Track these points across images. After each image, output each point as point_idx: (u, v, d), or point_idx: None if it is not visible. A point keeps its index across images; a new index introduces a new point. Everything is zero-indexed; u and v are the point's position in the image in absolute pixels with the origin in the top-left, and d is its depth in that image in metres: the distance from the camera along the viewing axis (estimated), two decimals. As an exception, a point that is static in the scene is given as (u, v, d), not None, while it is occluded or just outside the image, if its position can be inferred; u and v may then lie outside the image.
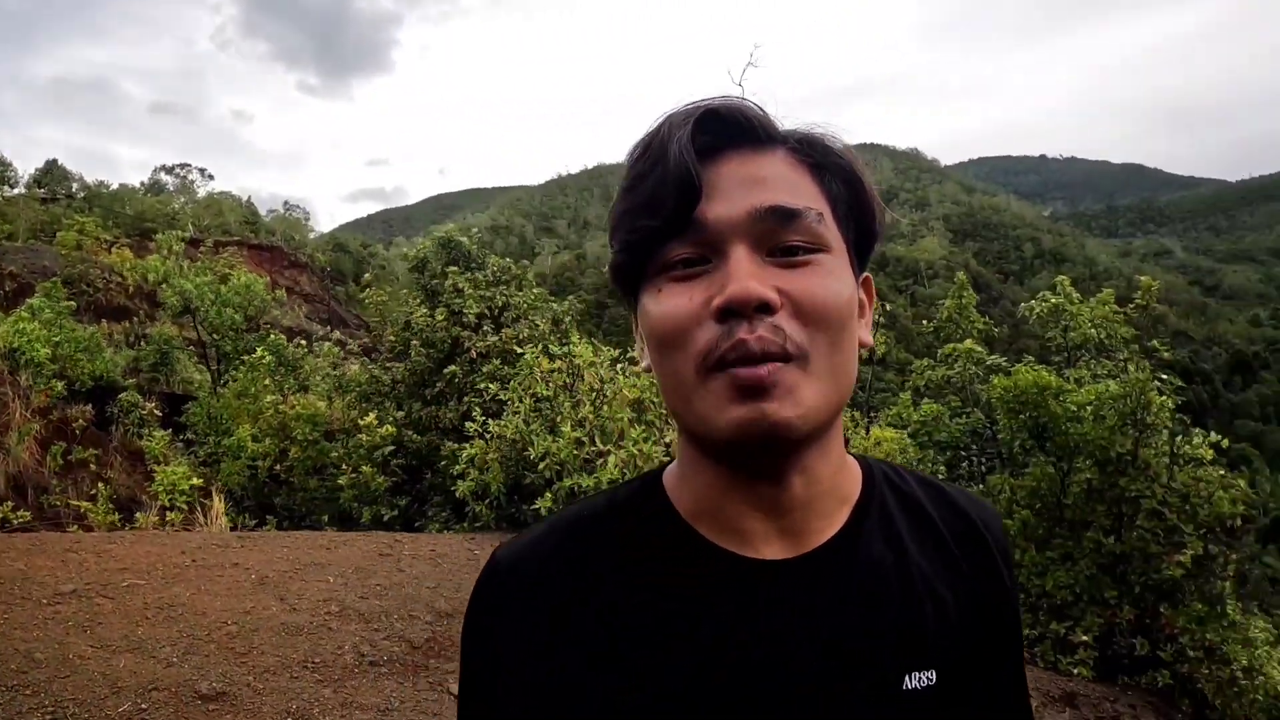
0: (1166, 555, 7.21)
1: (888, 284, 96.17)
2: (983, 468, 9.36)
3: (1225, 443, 7.56)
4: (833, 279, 0.80)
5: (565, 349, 8.76)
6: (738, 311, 0.76)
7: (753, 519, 0.83)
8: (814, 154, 0.85)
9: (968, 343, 9.42)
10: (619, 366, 8.37)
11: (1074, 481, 7.88)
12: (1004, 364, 9.16)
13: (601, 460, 7.50)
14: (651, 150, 0.81)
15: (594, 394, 8.15)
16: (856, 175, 0.87)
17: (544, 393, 8.36)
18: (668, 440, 7.64)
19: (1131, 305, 9.47)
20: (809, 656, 0.80)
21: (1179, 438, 7.50)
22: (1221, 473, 7.43)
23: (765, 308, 0.76)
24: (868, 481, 0.91)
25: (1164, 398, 7.46)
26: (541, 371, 8.48)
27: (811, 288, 0.78)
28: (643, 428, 7.64)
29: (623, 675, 0.79)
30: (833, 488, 0.86)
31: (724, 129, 0.82)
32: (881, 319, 11.76)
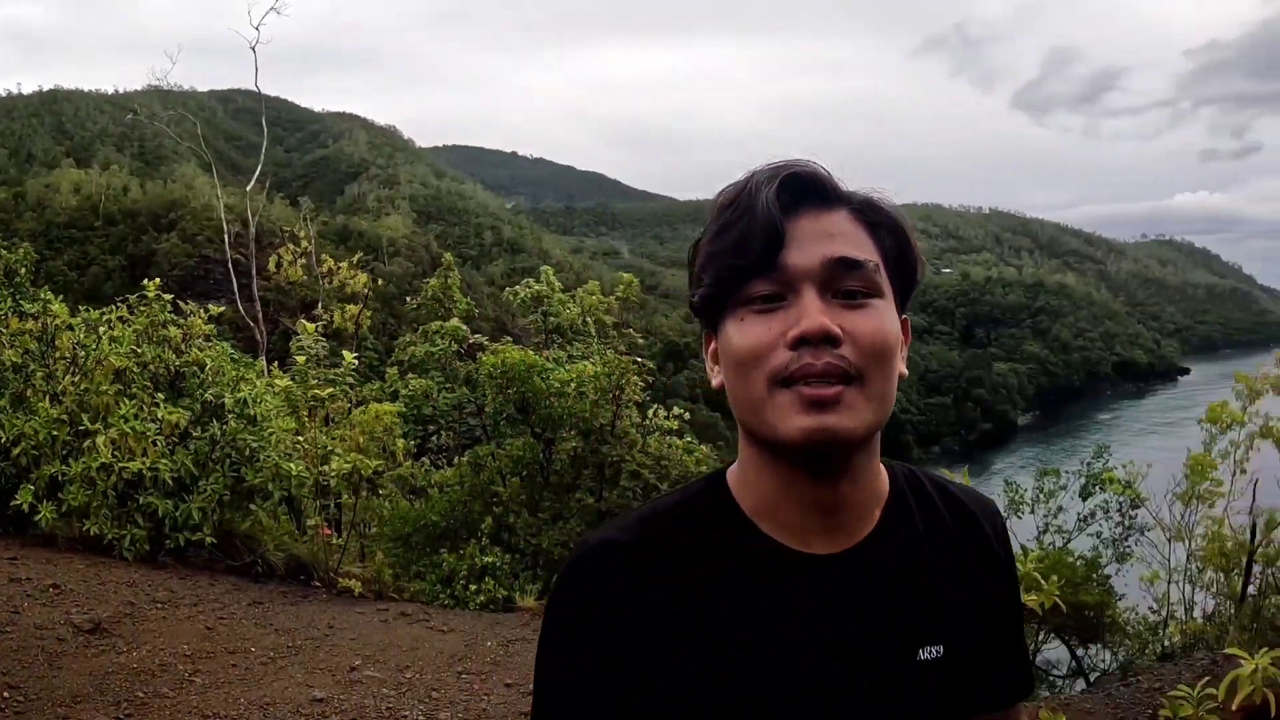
0: (646, 511, 8.22)
1: (347, 256, 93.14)
2: (463, 440, 9.81)
3: (687, 415, 9.07)
4: (884, 320, 0.99)
5: (38, 305, 7.24)
6: (809, 341, 0.93)
7: (806, 517, 1.02)
8: (872, 214, 1.04)
9: (453, 321, 9.76)
10: (101, 330, 7.09)
11: (560, 450, 8.64)
12: (485, 341, 9.64)
13: (89, 442, 6.42)
14: (740, 202, 0.99)
15: (69, 364, 6.86)
16: (905, 235, 1.06)
17: (13, 359, 6.85)
18: (163, 416, 6.69)
19: (614, 296, 10.62)
20: (849, 631, 1.01)
21: (650, 411, 8.64)
22: (688, 439, 8.77)
23: (832, 340, 0.94)
24: (894, 484, 1.10)
25: (638, 378, 8.58)
26: (8, 334, 6.97)
27: (868, 326, 0.97)
28: (132, 403, 6.66)
29: (706, 648, 0.98)
30: (870, 491, 1.06)
31: (801, 188, 1.00)
32: (369, 293, 11.70)
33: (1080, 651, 8.79)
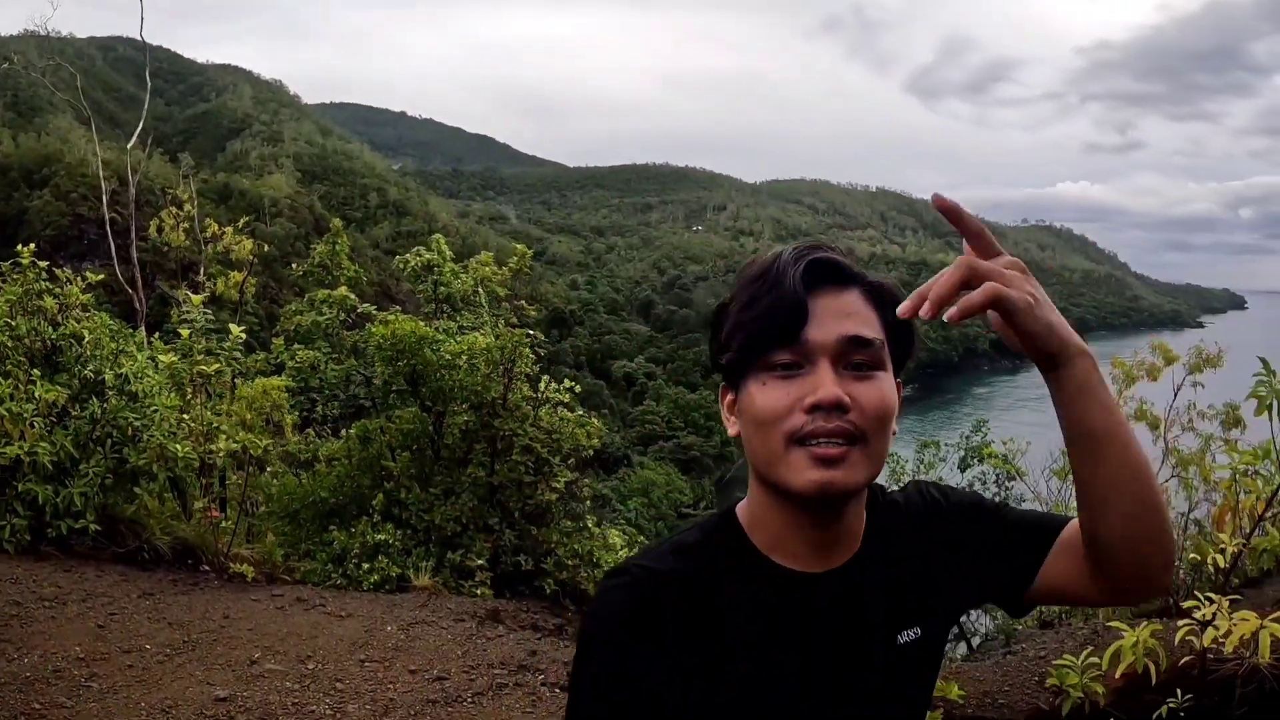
0: (539, 483, 8.11)
1: (229, 217, 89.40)
2: (349, 408, 9.48)
3: (579, 388, 8.89)
4: (886, 390, 1.16)
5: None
6: (823, 408, 1.11)
7: (809, 547, 1.22)
8: (879, 295, 1.19)
9: (341, 290, 9.37)
10: None
11: (452, 424, 8.39)
12: (374, 311, 9.29)
13: None
14: (767, 279, 1.15)
15: None
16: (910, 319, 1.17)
17: None
18: (39, 394, 6.21)
19: (506, 268, 10.33)
20: (846, 627, 1.22)
21: (542, 384, 8.45)
22: (579, 413, 8.61)
23: (842, 408, 1.11)
24: (870, 509, 1.29)
25: (530, 352, 8.37)
26: None
27: (873, 396, 1.14)
28: (7, 381, 6.16)
29: (732, 650, 1.18)
30: (860, 521, 1.27)
31: (822, 271, 1.15)
32: (254, 260, 11.11)
33: (961, 618, 9.06)
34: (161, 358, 6.98)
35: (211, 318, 7.40)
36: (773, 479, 1.17)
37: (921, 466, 15.71)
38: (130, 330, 8.28)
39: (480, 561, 7.64)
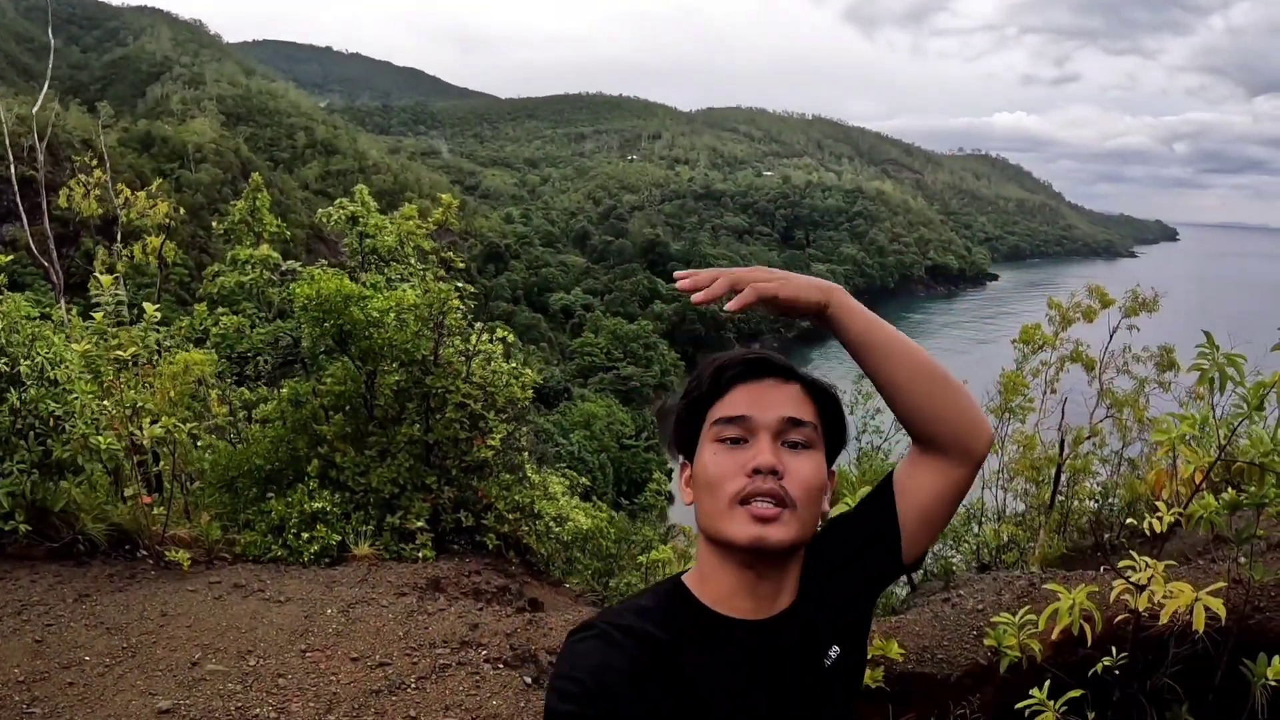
0: (475, 439, 7.94)
1: (151, 166, 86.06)
2: (280, 363, 9.22)
3: (511, 338, 8.65)
4: (816, 465, 1.42)
5: None
6: (761, 471, 1.37)
7: (751, 599, 1.44)
8: (817, 391, 1.47)
9: (264, 248, 8.98)
10: None
11: (383, 384, 8.15)
12: (300, 269, 8.94)
13: None
14: (708, 372, 1.48)
15: None
16: (840, 410, 1.49)
17: None
18: None
19: (431, 219, 9.98)
20: (786, 661, 1.44)
21: (473, 337, 8.21)
22: (513, 365, 8.40)
23: (776, 472, 1.37)
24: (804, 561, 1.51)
25: (460, 304, 8.13)
26: None
27: (805, 469, 1.40)
28: None
29: (689, 690, 1.37)
30: (796, 577, 1.49)
31: (769, 366, 1.46)
32: (171, 222, 10.57)
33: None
34: (75, 347, 6.59)
35: (123, 300, 7.01)
36: (718, 534, 1.40)
37: (860, 397, 15.89)
38: (46, 308, 7.83)
39: (420, 523, 7.51)
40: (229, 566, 6.67)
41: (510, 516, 7.97)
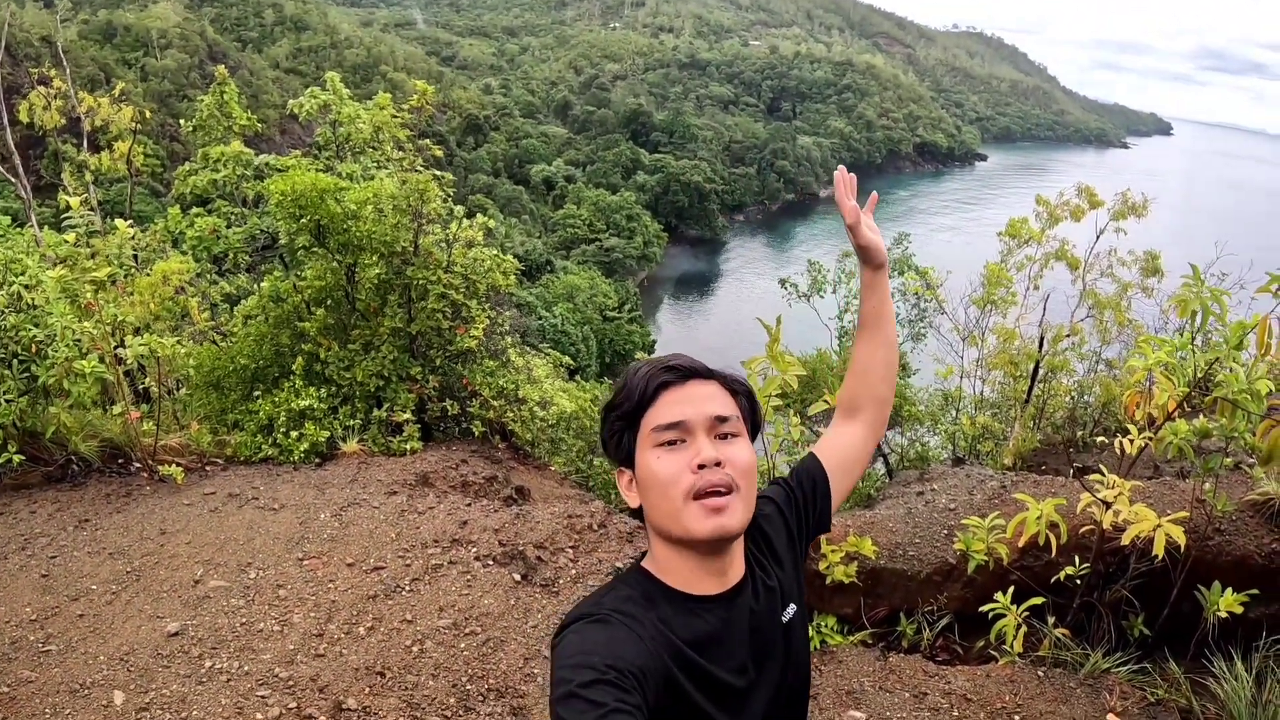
0: (458, 329, 7.95)
1: (116, 58, 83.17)
2: (258, 258, 9.14)
3: (492, 224, 8.50)
4: (747, 449, 1.62)
5: None
6: (707, 465, 1.52)
7: (711, 577, 1.61)
8: (734, 386, 1.67)
9: (235, 145, 8.73)
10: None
11: (364, 277, 8.09)
12: (274, 163, 8.71)
13: None
14: (635, 383, 1.62)
15: None
16: (754, 398, 1.71)
17: None
18: None
19: (407, 107, 9.68)
20: (746, 627, 1.63)
21: (453, 226, 8.10)
22: (494, 252, 8.31)
23: (719, 464, 1.53)
24: (745, 539, 1.68)
25: (439, 191, 7.99)
26: None
27: (739, 455, 1.58)
28: None
29: (673, 660, 1.50)
30: (740, 549, 1.66)
31: (688, 370, 1.62)
32: (137, 125, 10.18)
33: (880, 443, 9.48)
34: (50, 273, 6.46)
35: (95, 220, 6.81)
36: (676, 532, 1.56)
37: (843, 276, 15.93)
38: (18, 230, 7.64)
39: (406, 415, 7.59)
40: (222, 474, 6.73)
41: (495, 403, 8.05)
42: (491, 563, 5.36)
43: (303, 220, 7.48)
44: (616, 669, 1.38)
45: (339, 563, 5.24)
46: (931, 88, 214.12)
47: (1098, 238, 7.80)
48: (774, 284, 17.56)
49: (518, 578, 5.25)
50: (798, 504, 1.88)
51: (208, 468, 6.86)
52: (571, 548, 5.78)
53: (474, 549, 5.49)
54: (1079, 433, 7.25)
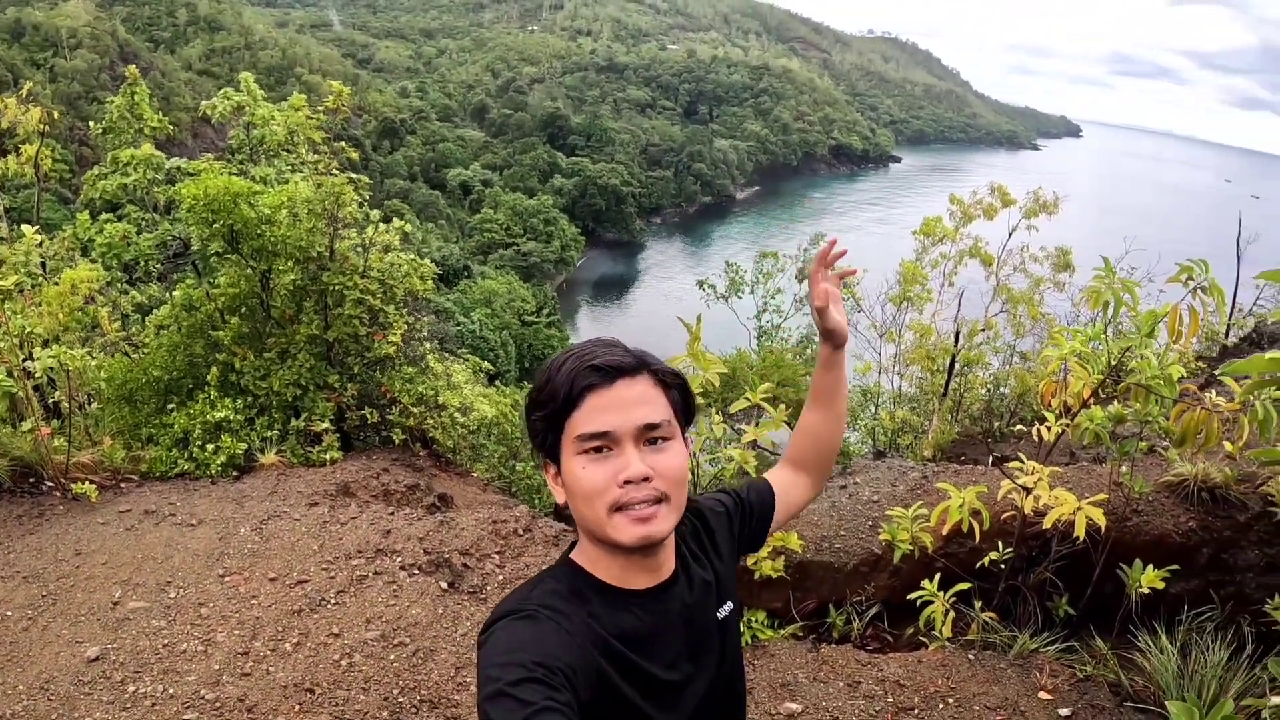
0: (375, 335, 7.80)
1: (24, 58, 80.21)
2: (170, 265, 8.84)
3: (409, 228, 8.38)
4: (679, 456, 1.53)
5: None
6: (634, 481, 1.45)
7: (643, 573, 1.58)
8: (666, 379, 1.56)
9: (146, 146, 8.41)
10: None
11: (278, 283, 7.87)
12: (186, 166, 8.43)
13: None
14: (558, 377, 1.51)
15: None
16: (689, 390, 1.61)
17: None
18: None
19: (322, 109, 9.45)
20: (680, 621, 1.61)
21: (369, 230, 7.94)
22: (411, 256, 8.17)
23: (647, 478, 1.46)
24: (677, 535, 1.65)
25: (355, 195, 7.83)
26: None
27: (671, 464, 1.50)
28: None
29: (604, 655, 1.46)
30: (670, 545, 1.63)
31: (617, 368, 1.50)
32: (45, 127, 9.66)
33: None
34: None
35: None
36: (603, 539, 1.51)
37: (760, 277, 16.09)
38: None
39: (325, 424, 7.42)
40: (137, 490, 6.49)
41: (415, 410, 7.92)
42: (417, 572, 5.26)
43: (215, 225, 7.25)
44: (545, 666, 1.32)
45: (261, 578, 5.09)
46: (847, 91, 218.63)
47: (1010, 235, 8.04)
48: (692, 285, 17.65)
49: (445, 586, 5.16)
50: (745, 514, 1.89)
51: (122, 485, 6.61)
52: (498, 553, 5.70)
53: (399, 558, 5.38)
54: (996, 423, 7.44)
